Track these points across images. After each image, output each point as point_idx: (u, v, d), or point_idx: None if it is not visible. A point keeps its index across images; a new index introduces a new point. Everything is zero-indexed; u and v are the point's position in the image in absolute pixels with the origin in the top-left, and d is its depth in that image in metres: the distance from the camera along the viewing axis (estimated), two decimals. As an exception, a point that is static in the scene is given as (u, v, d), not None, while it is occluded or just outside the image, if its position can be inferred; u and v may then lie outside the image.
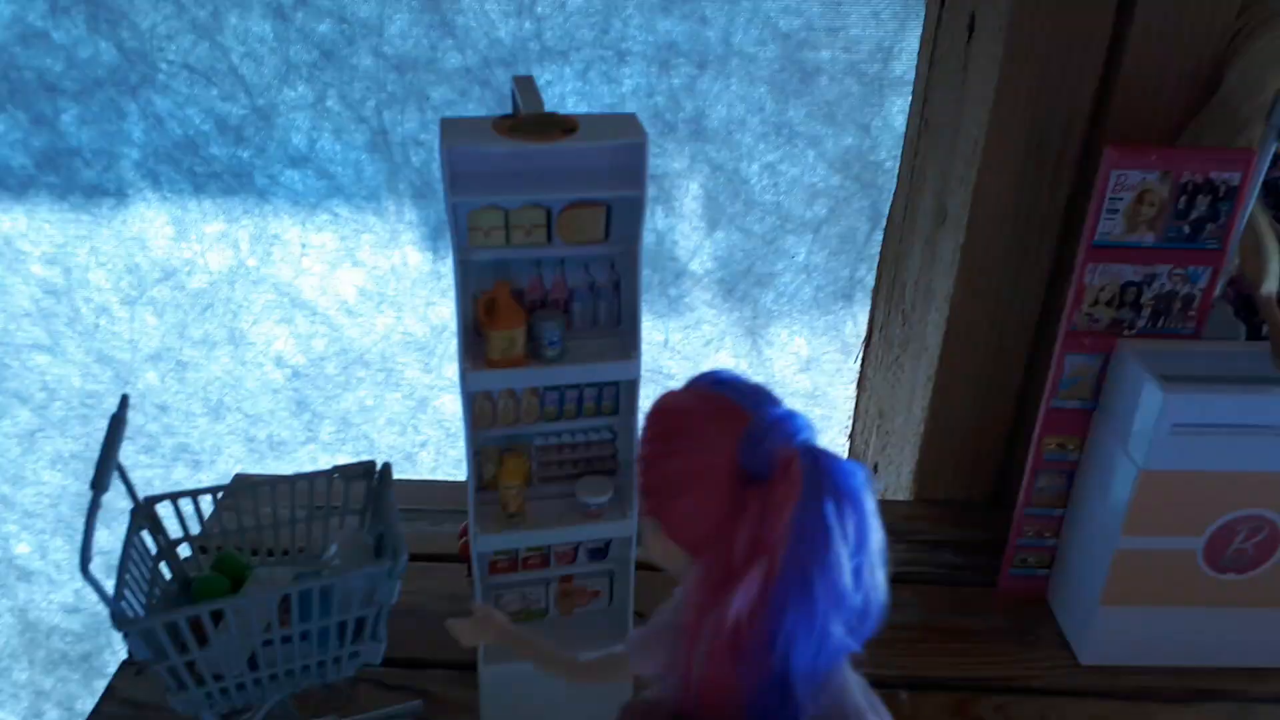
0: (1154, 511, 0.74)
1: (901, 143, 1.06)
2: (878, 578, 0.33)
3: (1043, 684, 0.79)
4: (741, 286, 1.22)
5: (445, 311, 1.18)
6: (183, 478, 1.37)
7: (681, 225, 1.16)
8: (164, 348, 1.23)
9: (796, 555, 0.31)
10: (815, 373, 1.28)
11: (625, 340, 0.59)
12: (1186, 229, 0.74)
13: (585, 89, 0.99)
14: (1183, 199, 0.72)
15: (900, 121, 1.05)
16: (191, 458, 1.36)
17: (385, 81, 1.01)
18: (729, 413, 0.34)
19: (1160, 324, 0.77)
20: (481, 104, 1.03)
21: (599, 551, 0.68)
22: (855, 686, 0.35)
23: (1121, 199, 0.72)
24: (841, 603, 0.32)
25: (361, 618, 0.52)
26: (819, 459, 0.32)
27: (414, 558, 0.88)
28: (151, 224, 1.13)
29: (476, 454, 0.61)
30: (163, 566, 0.57)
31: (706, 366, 1.37)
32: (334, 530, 0.58)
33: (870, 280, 1.16)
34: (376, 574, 0.49)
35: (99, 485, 0.48)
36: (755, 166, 1.12)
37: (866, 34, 1.02)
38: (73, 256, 1.18)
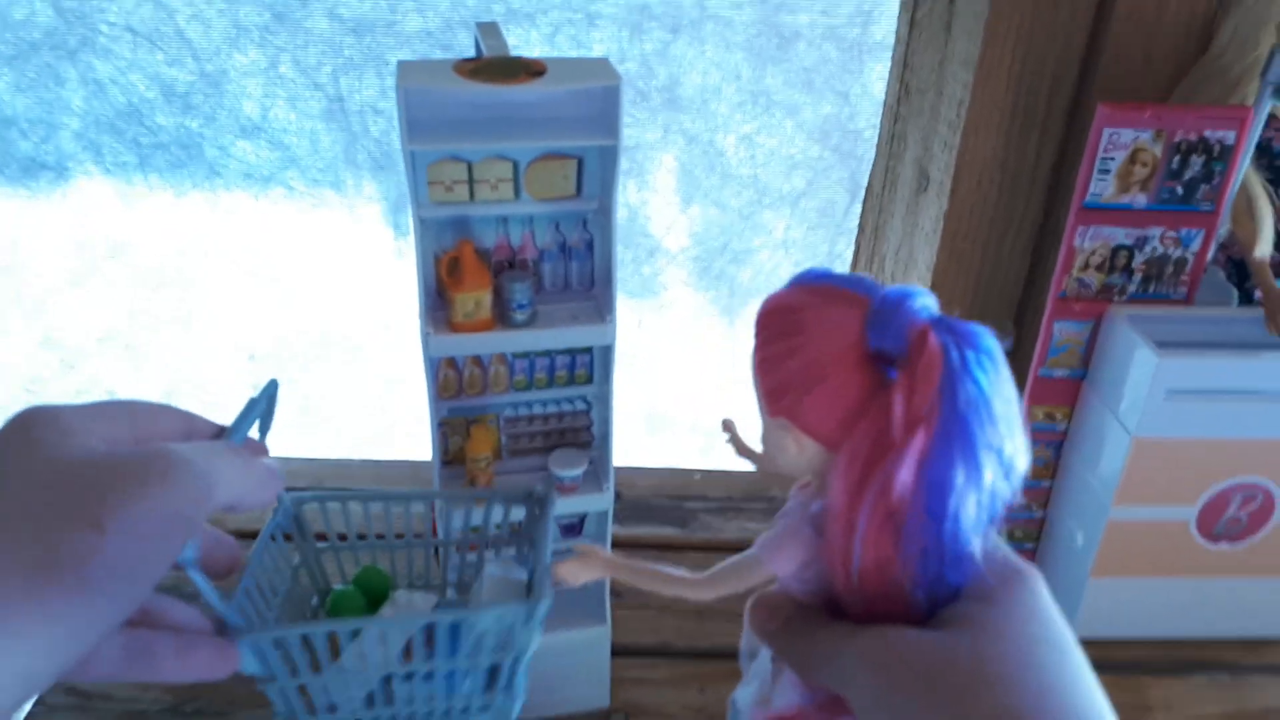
0: (1146, 480, 0.72)
1: (881, 109, 1.04)
2: (1021, 429, 0.33)
3: (1033, 661, 0.77)
4: (718, 264, 1.19)
5: (409, 287, 1.14)
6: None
7: (655, 200, 1.13)
8: (114, 329, 1.19)
9: (957, 417, 0.31)
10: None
11: (599, 304, 0.56)
12: (1180, 190, 0.72)
13: (553, 54, 0.95)
14: (1176, 158, 0.71)
15: (880, 87, 1.02)
16: (144, 445, 1.31)
17: (341, 45, 0.97)
18: (844, 298, 0.34)
19: (1152, 289, 0.75)
20: (444, 69, 1.00)
21: (572, 528, 0.65)
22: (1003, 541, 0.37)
23: (1113, 158, 0.71)
24: (1001, 456, 0.33)
25: (495, 664, 0.46)
26: (953, 326, 0.33)
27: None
28: (95, 198, 1.09)
29: (441, 426, 0.58)
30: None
31: (680, 348, 1.34)
32: (488, 559, 0.52)
33: (849, 254, 1.14)
34: (512, 614, 0.43)
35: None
36: (731, 137, 1.09)
37: (845, -4, 1.00)
38: (13, 234, 1.13)
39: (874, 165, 1.06)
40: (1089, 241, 0.73)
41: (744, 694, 0.44)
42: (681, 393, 1.26)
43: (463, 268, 0.52)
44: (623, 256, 1.14)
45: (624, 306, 1.22)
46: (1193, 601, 0.78)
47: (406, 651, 0.45)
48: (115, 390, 1.27)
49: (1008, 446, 0.33)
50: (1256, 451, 0.72)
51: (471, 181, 0.51)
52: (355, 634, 0.44)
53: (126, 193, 1.08)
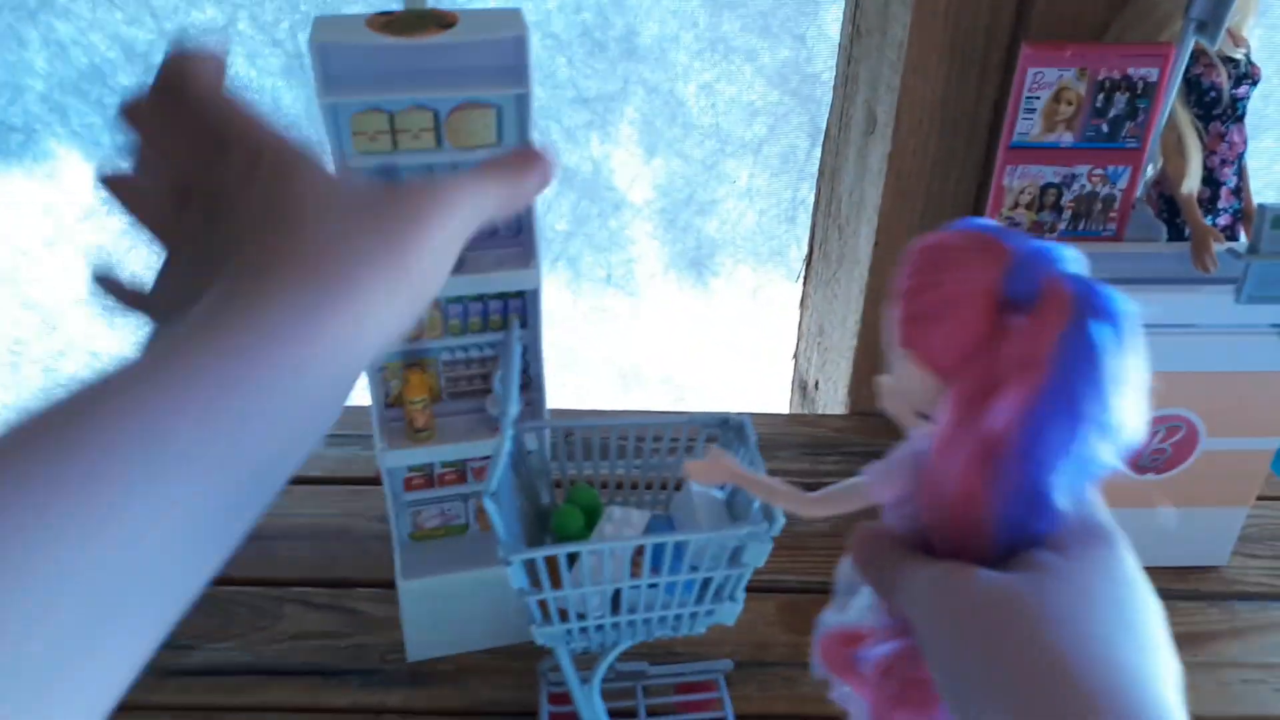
0: (1073, 412, 0.75)
1: (836, 51, 1.05)
2: (1140, 402, 0.34)
3: (969, 587, 0.81)
4: (684, 216, 1.21)
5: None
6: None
7: (618, 153, 1.15)
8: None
9: (1065, 371, 0.33)
10: (762, 299, 1.29)
11: (525, 250, 0.59)
12: (1105, 128, 0.74)
13: (508, 2, 0.96)
14: (1100, 96, 0.73)
15: (835, 29, 1.04)
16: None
17: (298, 1, 0.99)
18: (991, 245, 0.36)
19: (1081, 226, 0.78)
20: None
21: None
22: (1103, 505, 0.38)
23: (1039, 98, 0.73)
24: (1105, 420, 0.33)
25: (724, 575, 0.54)
26: (1088, 284, 0.34)
27: (346, 481, 0.89)
28: (65, 160, 1.11)
29: (380, 370, 0.61)
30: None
31: (651, 301, 1.36)
32: (690, 481, 0.60)
33: (812, 199, 1.16)
34: (750, 535, 0.51)
35: (509, 414, 0.52)
36: (691, 86, 1.11)
37: (798, -61, 1.01)
38: (-14, 197, 1.16)
39: (831, 108, 1.08)
40: (1018, 180, 0.76)
41: (832, 618, 0.47)
42: (653, 346, 1.29)
43: (388, 216, 0.55)
44: (588, 211, 1.17)
45: (593, 261, 1.24)
46: (1123, 531, 0.81)
47: (636, 564, 0.52)
48: (97, 351, 1.30)
49: (1116, 412, 0.34)
50: (1179, 384, 0.75)
51: (394, 131, 0.54)
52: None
53: (95, 153, 1.10)
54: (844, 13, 1.01)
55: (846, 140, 1.02)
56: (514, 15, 0.51)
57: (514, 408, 0.52)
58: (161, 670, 0.72)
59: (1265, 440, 0.78)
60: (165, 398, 0.27)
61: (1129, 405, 0.34)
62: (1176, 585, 0.82)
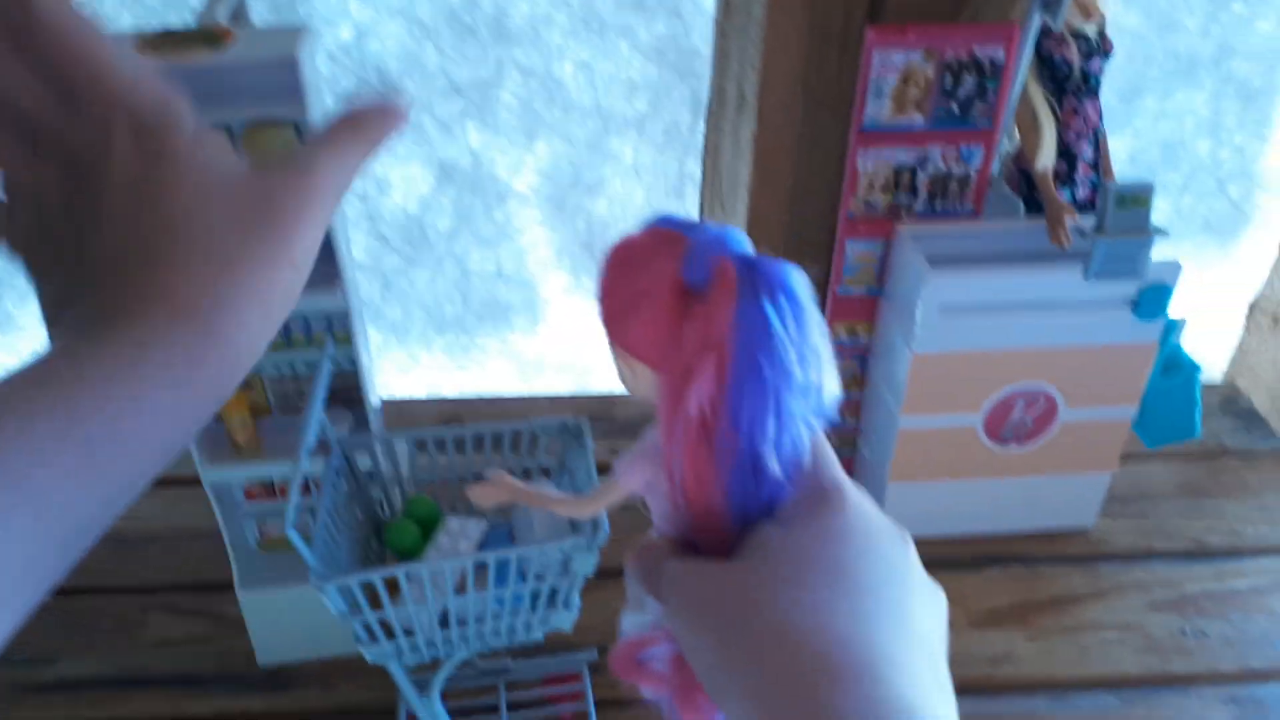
0: (930, 392, 0.75)
1: (712, 26, 1.01)
2: (824, 363, 0.36)
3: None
4: (572, 198, 1.17)
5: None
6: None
7: (498, 140, 1.10)
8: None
9: (743, 344, 0.34)
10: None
11: (329, 270, 0.56)
12: (956, 109, 0.72)
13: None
14: (948, 78, 0.70)
15: (710, 3, 1.00)
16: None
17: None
18: (670, 238, 0.37)
19: (939, 206, 0.76)
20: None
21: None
22: (833, 462, 0.38)
23: (887, 81, 0.70)
24: (792, 382, 0.35)
25: (555, 586, 0.54)
26: (751, 261, 0.35)
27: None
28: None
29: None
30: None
31: (544, 290, 1.31)
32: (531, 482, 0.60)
33: (699, 172, 1.13)
34: (574, 546, 0.51)
35: (305, 443, 0.50)
36: (568, 66, 1.06)
37: (668, -90, 0.97)
38: None
39: (711, 83, 1.04)
40: (871, 163, 0.73)
41: (630, 620, 0.48)
42: (550, 334, 1.26)
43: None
44: (471, 205, 1.12)
45: (481, 256, 1.19)
46: (988, 501, 0.81)
47: (479, 577, 0.52)
48: None
49: (805, 373, 0.35)
50: (1036, 358, 0.75)
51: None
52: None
53: None
54: (716, -13, 0.97)
55: (724, 116, 0.99)
56: (294, 35, 0.47)
57: (311, 435, 0.50)
58: (19, 686, 0.70)
59: (1121, 409, 0.78)
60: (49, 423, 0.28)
61: (816, 365, 0.36)
62: (1043, 550, 0.83)
